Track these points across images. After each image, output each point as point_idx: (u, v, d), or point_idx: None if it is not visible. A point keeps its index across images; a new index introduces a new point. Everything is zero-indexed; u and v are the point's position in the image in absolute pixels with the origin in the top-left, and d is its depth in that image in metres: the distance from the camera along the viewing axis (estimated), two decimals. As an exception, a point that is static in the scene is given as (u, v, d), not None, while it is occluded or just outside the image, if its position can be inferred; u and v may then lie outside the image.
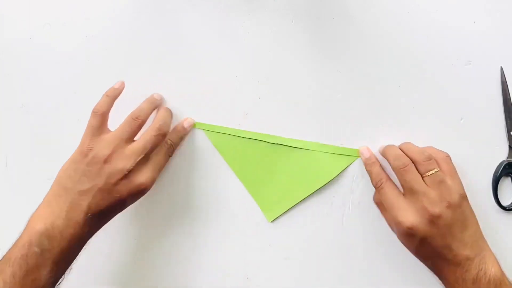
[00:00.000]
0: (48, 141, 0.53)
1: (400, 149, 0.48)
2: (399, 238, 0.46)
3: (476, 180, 0.51)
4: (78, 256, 0.45)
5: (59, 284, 0.43)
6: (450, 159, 0.47)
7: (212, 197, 0.52)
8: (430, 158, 0.46)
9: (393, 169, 0.47)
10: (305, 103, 0.52)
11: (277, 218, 0.52)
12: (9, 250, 0.43)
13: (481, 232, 0.46)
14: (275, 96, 0.52)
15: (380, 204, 0.50)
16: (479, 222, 0.51)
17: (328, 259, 0.52)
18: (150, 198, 0.52)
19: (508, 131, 0.51)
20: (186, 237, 0.52)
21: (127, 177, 0.44)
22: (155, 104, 0.50)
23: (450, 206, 0.44)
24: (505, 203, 0.51)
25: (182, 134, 0.51)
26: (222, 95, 0.52)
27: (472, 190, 0.51)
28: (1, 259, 0.42)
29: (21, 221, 0.52)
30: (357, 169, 0.51)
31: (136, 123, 0.47)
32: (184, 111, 0.52)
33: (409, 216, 0.44)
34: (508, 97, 0.51)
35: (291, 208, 0.52)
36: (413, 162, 0.46)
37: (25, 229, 0.43)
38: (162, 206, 0.53)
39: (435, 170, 0.45)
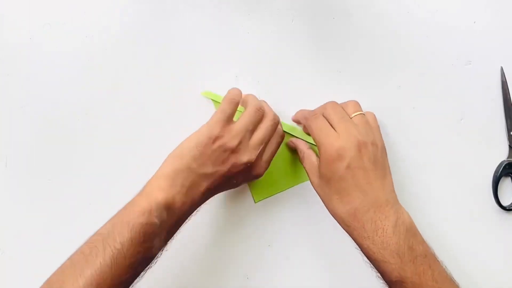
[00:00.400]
0: (48, 141, 0.53)
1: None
2: (324, 171, 0.45)
3: (476, 180, 0.51)
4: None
5: (161, 252, 0.44)
6: (376, 118, 0.48)
7: (212, 200, 0.52)
8: (356, 110, 0.47)
9: (306, 119, 0.48)
10: (305, 103, 0.52)
11: (276, 217, 0.52)
12: (126, 211, 0.42)
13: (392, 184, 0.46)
14: (275, 96, 0.52)
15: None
16: (479, 222, 0.51)
17: (328, 259, 0.52)
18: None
19: (508, 131, 0.51)
20: (186, 237, 0.52)
21: (249, 167, 0.46)
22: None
23: (374, 144, 0.45)
24: (505, 203, 0.51)
25: (278, 123, 0.50)
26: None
27: (472, 190, 0.51)
28: (118, 218, 0.42)
29: (21, 221, 0.53)
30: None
31: (259, 114, 0.47)
32: (184, 110, 0.52)
33: (339, 140, 0.44)
34: (508, 97, 0.51)
35: (291, 208, 0.52)
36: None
37: (144, 195, 0.43)
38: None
39: (362, 112, 0.47)
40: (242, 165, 0.45)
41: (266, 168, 0.48)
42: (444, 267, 0.43)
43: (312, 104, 0.52)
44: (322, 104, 0.49)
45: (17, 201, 0.53)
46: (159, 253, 0.44)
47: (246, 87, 0.52)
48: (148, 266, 0.43)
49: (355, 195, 0.43)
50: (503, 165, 0.51)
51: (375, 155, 0.45)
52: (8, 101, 0.53)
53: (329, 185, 0.45)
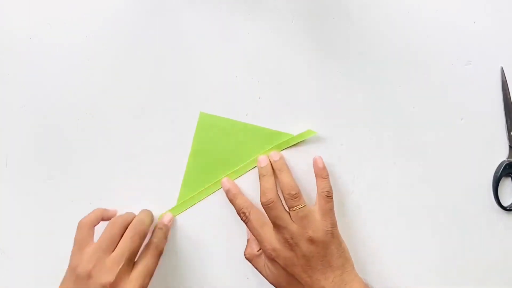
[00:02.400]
0: (48, 141, 0.53)
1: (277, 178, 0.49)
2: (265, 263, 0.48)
3: (476, 180, 0.51)
4: None
5: None
6: (331, 196, 0.48)
7: (212, 198, 0.52)
8: (296, 196, 0.47)
9: (261, 204, 0.48)
10: (305, 103, 0.52)
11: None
12: None
13: (351, 272, 0.47)
14: (275, 96, 0.52)
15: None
16: (479, 222, 0.51)
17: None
18: (150, 198, 0.52)
19: (508, 131, 0.51)
20: (186, 237, 0.52)
21: None
22: (133, 215, 0.49)
23: (311, 240, 0.46)
24: (505, 203, 0.51)
25: (165, 230, 0.50)
26: (222, 95, 0.52)
27: (472, 190, 0.51)
28: None
29: (21, 221, 0.53)
30: (356, 169, 0.51)
31: (116, 229, 0.46)
32: (184, 111, 0.52)
33: (273, 242, 0.46)
34: (508, 97, 0.51)
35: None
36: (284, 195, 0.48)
37: None
38: (162, 208, 0.53)
39: (299, 206, 0.47)
40: None
41: (142, 285, 0.44)
42: None
43: (311, 104, 0.52)
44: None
45: (17, 201, 0.53)
46: None
47: (246, 87, 0.52)
48: None
49: (294, 283, 0.46)
50: (503, 165, 0.51)
51: (312, 251, 0.46)
52: (8, 101, 0.53)
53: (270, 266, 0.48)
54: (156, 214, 0.52)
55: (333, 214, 0.48)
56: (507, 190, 0.52)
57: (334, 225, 0.47)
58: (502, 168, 0.51)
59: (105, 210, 0.50)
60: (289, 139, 0.51)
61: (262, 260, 0.49)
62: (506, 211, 0.51)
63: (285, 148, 0.52)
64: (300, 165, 0.51)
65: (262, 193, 0.48)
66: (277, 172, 0.50)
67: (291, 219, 0.47)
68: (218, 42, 0.52)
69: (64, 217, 0.52)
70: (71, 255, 0.45)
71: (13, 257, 0.53)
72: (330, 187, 0.49)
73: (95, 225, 0.47)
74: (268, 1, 0.52)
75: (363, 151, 0.51)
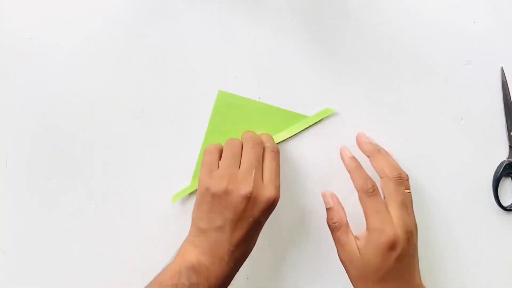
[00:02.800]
0: (48, 141, 0.53)
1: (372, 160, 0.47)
2: (371, 258, 0.43)
3: (476, 180, 0.51)
4: None
5: None
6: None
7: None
8: (406, 178, 0.46)
9: (362, 193, 0.45)
10: (305, 103, 0.52)
11: (276, 217, 0.52)
12: (162, 272, 0.43)
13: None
14: (275, 96, 0.52)
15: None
16: (479, 222, 0.51)
17: (328, 259, 0.52)
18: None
19: (508, 131, 0.51)
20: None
21: (253, 198, 0.44)
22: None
23: (414, 230, 0.45)
24: (505, 203, 0.51)
25: (268, 135, 0.51)
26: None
27: (472, 190, 0.51)
28: (154, 279, 0.43)
29: (21, 221, 0.53)
30: (357, 169, 0.51)
31: (235, 143, 0.47)
32: (184, 111, 0.52)
33: (395, 228, 0.43)
34: (508, 97, 0.51)
35: (291, 208, 0.52)
36: (382, 174, 0.46)
37: (177, 255, 0.44)
38: (162, 208, 0.53)
39: (408, 190, 0.45)
40: (243, 200, 0.43)
41: (277, 188, 0.45)
42: None
43: (311, 104, 0.52)
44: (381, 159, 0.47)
45: (17, 201, 0.53)
46: None
47: (246, 87, 0.52)
48: None
49: (395, 279, 0.43)
50: (503, 165, 0.51)
51: (415, 241, 0.44)
52: (8, 101, 0.53)
53: (371, 275, 0.43)
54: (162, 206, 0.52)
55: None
56: (507, 190, 0.52)
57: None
58: (502, 168, 0.51)
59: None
60: (307, 119, 0.51)
61: (352, 234, 0.45)
62: (506, 211, 0.51)
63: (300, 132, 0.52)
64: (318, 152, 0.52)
65: (364, 181, 0.45)
66: (373, 154, 0.48)
67: None
68: (218, 42, 0.52)
69: (64, 217, 0.52)
70: (201, 179, 0.46)
71: (13, 257, 0.53)
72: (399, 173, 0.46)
73: (220, 149, 0.48)
74: (268, 1, 0.52)
75: (363, 151, 0.51)
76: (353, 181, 0.47)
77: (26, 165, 0.53)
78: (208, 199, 0.44)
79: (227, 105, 0.52)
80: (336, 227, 0.46)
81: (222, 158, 0.47)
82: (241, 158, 0.46)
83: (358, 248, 0.44)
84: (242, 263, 0.46)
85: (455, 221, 0.51)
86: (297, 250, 0.52)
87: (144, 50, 0.53)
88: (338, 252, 0.46)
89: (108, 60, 0.53)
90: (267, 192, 0.45)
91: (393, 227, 0.43)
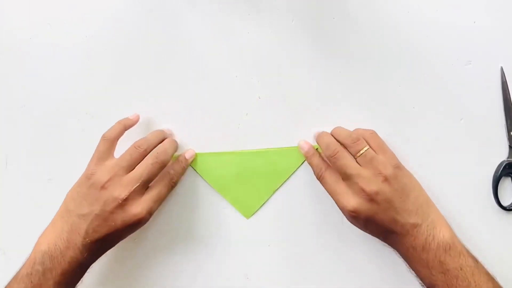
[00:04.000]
0: (48, 141, 0.53)
1: (332, 135, 0.49)
2: (348, 220, 0.47)
3: (476, 180, 0.51)
4: (79, 283, 0.45)
5: None
6: (376, 134, 0.49)
7: (212, 198, 0.52)
8: (358, 139, 0.47)
9: (326, 157, 0.48)
10: (305, 103, 0.52)
11: (276, 217, 0.52)
12: (20, 267, 0.44)
13: (426, 197, 0.47)
14: (275, 96, 0.52)
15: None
16: (479, 222, 0.51)
17: (328, 258, 0.52)
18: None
19: (508, 131, 0.51)
20: (186, 237, 0.52)
21: (122, 206, 0.44)
22: (162, 137, 0.50)
23: (385, 179, 0.45)
24: (505, 203, 0.51)
25: (184, 165, 0.50)
26: (222, 95, 0.52)
27: (472, 190, 0.51)
28: (14, 275, 0.44)
29: (21, 221, 0.53)
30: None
31: (138, 152, 0.47)
32: (184, 112, 0.52)
33: (350, 199, 0.45)
34: (508, 97, 0.51)
35: (291, 208, 0.52)
36: (344, 146, 0.47)
37: (33, 248, 0.45)
38: (160, 207, 0.53)
39: (365, 148, 0.46)
40: (113, 202, 0.44)
41: (150, 211, 0.45)
42: (486, 279, 0.44)
43: (311, 104, 0.52)
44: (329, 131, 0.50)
45: (17, 201, 0.53)
46: None
47: (246, 87, 0.52)
48: None
49: (384, 234, 0.46)
50: (503, 165, 0.51)
51: (390, 190, 0.45)
52: (8, 101, 0.53)
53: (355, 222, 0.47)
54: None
55: (388, 148, 0.48)
56: (507, 190, 0.52)
57: (395, 157, 0.47)
58: (502, 168, 0.51)
59: (127, 119, 0.50)
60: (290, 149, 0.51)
61: (337, 178, 0.47)
62: (506, 211, 0.51)
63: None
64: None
65: (326, 148, 0.47)
66: (331, 132, 0.50)
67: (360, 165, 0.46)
68: (218, 42, 0.52)
69: (64, 217, 0.52)
70: (90, 163, 0.47)
71: (13, 257, 0.53)
72: (354, 138, 0.47)
73: (118, 139, 0.49)
74: (268, 1, 0.52)
75: (363, 151, 0.51)
76: (311, 167, 0.49)
77: (26, 165, 0.53)
78: (86, 184, 0.45)
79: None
80: (321, 175, 0.48)
81: (122, 156, 0.47)
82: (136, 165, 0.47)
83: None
84: (97, 257, 0.46)
85: (455, 221, 0.51)
86: (297, 250, 0.52)
87: (144, 50, 0.53)
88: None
89: (108, 60, 0.53)
90: (137, 208, 0.45)
91: (349, 200, 0.45)
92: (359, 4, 0.52)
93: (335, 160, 0.46)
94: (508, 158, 0.51)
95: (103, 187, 0.45)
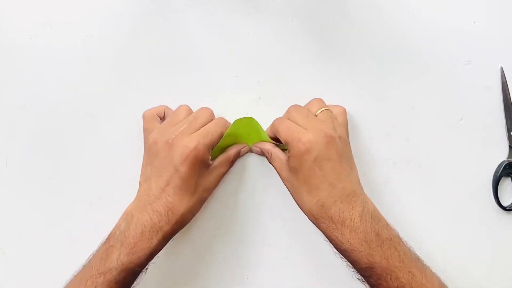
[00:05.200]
0: (48, 141, 0.53)
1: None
2: (292, 165, 0.45)
3: (476, 180, 0.51)
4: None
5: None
6: (345, 112, 0.49)
7: (212, 200, 0.52)
8: (321, 106, 0.48)
9: (272, 126, 0.49)
10: (305, 103, 0.52)
11: (276, 217, 0.52)
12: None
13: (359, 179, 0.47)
14: (275, 96, 0.52)
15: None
16: (479, 222, 0.51)
17: (327, 258, 0.52)
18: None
19: (508, 131, 0.51)
20: (186, 237, 0.52)
21: (172, 145, 0.45)
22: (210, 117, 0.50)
23: (341, 138, 0.45)
24: (505, 203, 0.51)
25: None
26: (222, 95, 0.52)
27: (472, 190, 0.51)
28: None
29: (21, 221, 0.53)
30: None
31: (182, 110, 0.49)
32: (184, 111, 0.52)
33: (307, 134, 0.44)
34: (508, 97, 0.51)
35: (290, 208, 0.52)
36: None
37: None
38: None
39: (326, 108, 0.47)
40: (164, 146, 0.45)
41: (199, 141, 0.45)
42: (408, 247, 0.44)
43: (312, 104, 0.52)
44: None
45: (17, 201, 0.53)
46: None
47: (246, 87, 0.52)
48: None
49: (323, 187, 0.44)
50: (503, 165, 0.51)
51: (342, 148, 0.45)
52: (8, 101, 0.53)
53: (297, 178, 0.45)
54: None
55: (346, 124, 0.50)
56: (507, 190, 0.52)
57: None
58: (502, 168, 0.51)
59: (168, 108, 0.51)
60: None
61: (282, 156, 0.48)
62: (506, 211, 0.51)
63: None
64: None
65: (271, 126, 0.49)
66: (276, 122, 0.49)
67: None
68: (218, 42, 0.52)
69: (64, 217, 0.52)
70: (144, 140, 0.50)
71: (13, 257, 0.53)
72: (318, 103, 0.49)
73: (158, 115, 0.50)
74: (268, 1, 0.52)
75: (363, 151, 0.51)
76: (272, 129, 0.49)
77: (26, 165, 0.53)
78: (145, 153, 0.48)
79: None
80: (269, 157, 0.49)
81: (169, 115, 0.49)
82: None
83: (288, 166, 0.47)
84: (166, 222, 0.45)
85: (455, 221, 0.51)
86: (297, 250, 0.52)
87: (144, 50, 0.53)
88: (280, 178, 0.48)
89: (108, 60, 0.53)
90: (187, 141, 0.45)
91: (305, 133, 0.44)
92: (359, 4, 0.52)
93: (290, 114, 0.47)
94: (508, 158, 0.51)
95: (154, 142, 0.46)
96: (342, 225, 0.43)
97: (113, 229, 0.45)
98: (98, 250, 0.44)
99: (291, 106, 0.49)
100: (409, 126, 0.52)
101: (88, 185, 0.52)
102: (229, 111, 0.52)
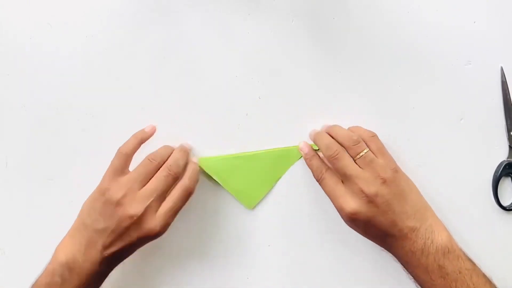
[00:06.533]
0: (48, 141, 0.53)
1: (329, 134, 0.49)
2: (346, 223, 0.47)
3: (476, 180, 0.51)
4: None
5: None
6: (377, 137, 0.48)
7: (212, 200, 0.52)
8: (358, 141, 0.47)
9: (326, 158, 0.48)
10: (305, 103, 0.52)
11: (276, 217, 0.52)
12: (39, 275, 0.45)
13: (424, 202, 0.47)
14: (275, 96, 0.52)
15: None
16: (479, 222, 0.51)
17: (328, 259, 0.52)
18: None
19: (508, 131, 0.51)
20: (186, 238, 0.52)
21: (138, 222, 0.44)
22: (171, 150, 0.49)
23: (384, 182, 0.45)
24: (505, 203, 0.51)
25: (197, 170, 0.49)
26: (222, 95, 0.52)
27: (472, 190, 0.51)
28: (33, 283, 0.45)
29: (21, 221, 0.53)
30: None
31: (152, 165, 0.47)
32: (184, 112, 0.52)
33: (349, 201, 0.45)
34: (508, 97, 0.51)
35: (290, 208, 0.52)
36: (343, 146, 0.47)
37: (52, 257, 0.45)
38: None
39: (365, 151, 0.46)
40: (128, 219, 0.44)
41: (165, 225, 0.45)
42: (484, 281, 0.44)
43: (311, 104, 0.52)
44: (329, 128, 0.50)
45: (17, 201, 0.53)
46: None
47: (246, 87, 0.52)
48: None
49: (382, 238, 0.46)
50: (503, 165, 0.51)
51: (388, 193, 0.45)
52: (8, 101, 0.53)
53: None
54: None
55: (387, 151, 0.48)
56: (507, 190, 0.52)
57: (394, 161, 0.48)
58: (502, 168, 0.51)
59: (143, 132, 0.50)
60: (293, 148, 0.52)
61: (337, 179, 0.48)
62: (506, 211, 0.51)
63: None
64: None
65: (326, 149, 0.47)
66: (328, 131, 0.49)
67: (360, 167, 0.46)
68: (218, 42, 0.52)
69: (64, 217, 0.52)
70: (104, 177, 0.47)
71: (13, 257, 0.53)
72: (355, 140, 0.47)
73: (133, 153, 0.48)
74: (268, 1, 0.52)
75: (363, 151, 0.51)
76: (311, 169, 0.49)
77: (26, 165, 0.53)
78: (101, 200, 0.45)
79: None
80: (319, 180, 0.48)
81: (135, 170, 0.47)
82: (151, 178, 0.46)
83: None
84: (114, 266, 0.46)
85: (455, 221, 0.51)
86: (297, 250, 0.52)
87: (144, 50, 0.53)
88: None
89: (108, 60, 0.53)
90: (152, 223, 0.44)
91: (347, 202, 0.45)
92: (359, 4, 0.52)
93: (336, 161, 0.46)
94: (508, 158, 0.51)
95: (118, 203, 0.44)
96: (405, 256, 0.45)
97: (46, 274, 0.45)
98: None
99: (339, 150, 0.47)
100: (409, 126, 0.52)
101: (87, 185, 0.52)
102: (229, 111, 0.52)
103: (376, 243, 0.47)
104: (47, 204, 0.53)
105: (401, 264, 0.46)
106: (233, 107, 0.52)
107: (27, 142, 0.53)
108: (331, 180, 0.47)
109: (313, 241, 0.52)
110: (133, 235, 0.44)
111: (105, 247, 0.44)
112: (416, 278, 0.45)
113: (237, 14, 0.52)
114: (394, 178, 0.45)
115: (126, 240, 0.44)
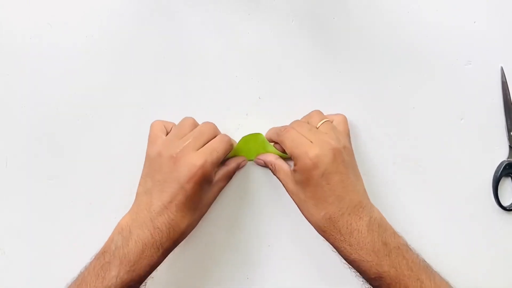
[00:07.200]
0: (48, 141, 0.53)
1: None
2: (299, 179, 0.45)
3: (476, 180, 0.51)
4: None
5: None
6: (346, 120, 0.49)
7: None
8: (322, 118, 0.48)
9: (278, 133, 0.48)
10: (305, 103, 0.52)
11: (276, 217, 0.52)
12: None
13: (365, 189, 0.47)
14: (275, 96, 0.52)
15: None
16: (479, 222, 0.51)
17: (328, 258, 0.52)
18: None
19: (508, 131, 0.51)
20: (186, 238, 0.52)
21: (177, 161, 0.44)
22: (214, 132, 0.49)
23: (345, 148, 0.45)
24: (505, 203, 0.51)
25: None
26: (222, 95, 0.52)
27: (472, 190, 0.51)
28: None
29: (21, 221, 0.53)
30: (357, 169, 0.51)
31: (187, 124, 0.48)
32: (184, 112, 0.52)
33: (314, 148, 0.44)
34: (508, 97, 0.51)
35: (291, 208, 0.52)
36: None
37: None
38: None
39: (327, 119, 0.47)
40: (169, 161, 0.44)
41: (204, 159, 0.44)
42: (416, 254, 0.44)
43: (311, 104, 0.52)
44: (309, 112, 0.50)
45: (17, 201, 0.53)
46: None
47: (246, 87, 0.52)
48: None
49: (330, 200, 0.44)
50: (503, 165, 0.51)
51: (347, 159, 0.45)
52: (8, 101, 0.53)
53: (304, 192, 0.46)
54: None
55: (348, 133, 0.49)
56: (507, 190, 0.52)
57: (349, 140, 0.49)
58: (502, 168, 0.51)
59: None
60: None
61: (287, 168, 0.48)
62: (506, 211, 0.51)
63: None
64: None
65: (275, 130, 0.49)
66: (280, 131, 0.49)
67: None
68: (218, 42, 0.52)
69: (64, 217, 0.52)
70: (147, 150, 0.47)
71: (13, 257, 0.53)
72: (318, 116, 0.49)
73: (166, 128, 0.48)
74: (268, 1, 0.52)
75: (363, 151, 0.51)
76: (275, 136, 0.49)
77: (26, 165, 0.53)
78: (146, 163, 0.47)
79: None
80: (273, 169, 0.49)
81: (174, 127, 0.48)
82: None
83: (293, 179, 0.46)
84: (167, 239, 0.44)
85: (455, 221, 0.51)
86: (297, 250, 0.52)
87: (144, 50, 0.53)
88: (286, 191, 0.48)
89: (109, 60, 0.53)
90: (193, 158, 0.44)
91: (311, 147, 0.44)
92: (359, 4, 0.52)
93: (285, 132, 0.47)
94: (508, 158, 0.51)
95: (158, 154, 0.45)
96: (350, 236, 0.43)
97: (107, 242, 0.44)
98: (92, 265, 0.43)
99: (293, 122, 0.49)
100: (409, 126, 0.52)
101: (88, 185, 0.52)
102: (229, 111, 0.52)
103: (317, 221, 0.45)
104: (47, 204, 0.53)
105: (340, 250, 0.44)
106: (233, 107, 0.52)
107: (27, 142, 0.53)
108: (294, 133, 0.46)
109: (313, 241, 0.52)
110: (180, 176, 0.43)
111: (153, 204, 0.43)
112: (362, 265, 0.43)
113: (237, 14, 0.52)
114: (352, 154, 0.47)
115: (173, 186, 0.43)
